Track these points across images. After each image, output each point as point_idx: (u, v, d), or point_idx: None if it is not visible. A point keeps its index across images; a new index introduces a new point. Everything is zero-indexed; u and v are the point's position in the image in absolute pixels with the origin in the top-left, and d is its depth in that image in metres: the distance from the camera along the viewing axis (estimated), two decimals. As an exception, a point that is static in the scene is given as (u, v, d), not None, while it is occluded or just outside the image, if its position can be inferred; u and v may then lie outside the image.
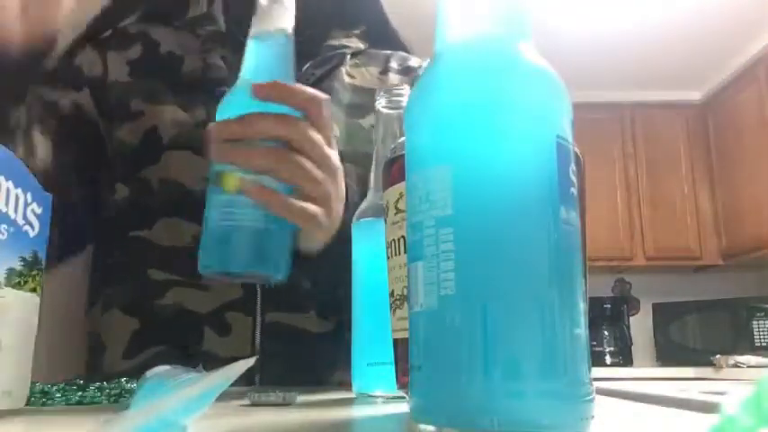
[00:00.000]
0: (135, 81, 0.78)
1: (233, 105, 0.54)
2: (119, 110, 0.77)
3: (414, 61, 0.90)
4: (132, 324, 0.71)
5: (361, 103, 0.80)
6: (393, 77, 0.86)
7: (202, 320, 0.70)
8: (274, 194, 0.52)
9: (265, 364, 0.69)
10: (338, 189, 0.58)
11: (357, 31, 0.87)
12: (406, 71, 0.88)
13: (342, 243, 0.58)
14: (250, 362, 0.34)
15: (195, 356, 0.69)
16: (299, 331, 0.71)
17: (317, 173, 0.55)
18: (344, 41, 0.84)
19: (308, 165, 0.54)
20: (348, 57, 0.84)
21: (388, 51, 0.90)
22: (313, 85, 0.72)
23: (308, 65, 0.79)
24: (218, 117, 0.55)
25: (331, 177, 0.56)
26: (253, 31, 0.56)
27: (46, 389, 0.46)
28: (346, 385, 0.55)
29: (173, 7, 0.83)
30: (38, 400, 0.44)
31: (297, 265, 0.56)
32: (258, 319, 0.70)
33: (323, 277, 0.69)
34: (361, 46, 0.87)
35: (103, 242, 0.79)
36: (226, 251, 0.52)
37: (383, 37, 0.90)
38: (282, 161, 0.53)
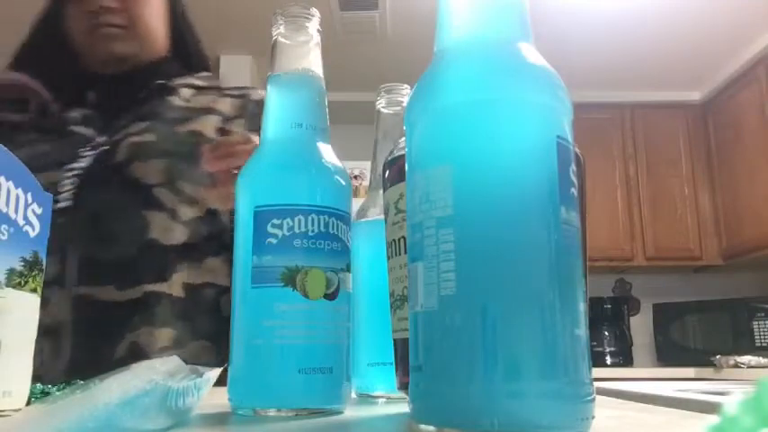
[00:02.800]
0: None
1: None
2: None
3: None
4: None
5: (188, 117, 0.93)
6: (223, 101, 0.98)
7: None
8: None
9: (77, 334, 0.78)
10: None
11: (202, 75, 1.03)
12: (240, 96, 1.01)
13: None
14: (217, 371, 0.35)
15: None
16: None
17: None
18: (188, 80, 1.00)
19: None
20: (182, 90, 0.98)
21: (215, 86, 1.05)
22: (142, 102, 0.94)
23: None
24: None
25: None
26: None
27: (46, 389, 0.46)
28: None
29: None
30: (38, 401, 0.44)
31: None
32: (72, 291, 0.79)
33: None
34: (201, 83, 1.01)
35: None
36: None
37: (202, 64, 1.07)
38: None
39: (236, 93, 1.01)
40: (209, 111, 0.95)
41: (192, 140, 0.87)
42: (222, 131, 0.93)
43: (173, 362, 0.32)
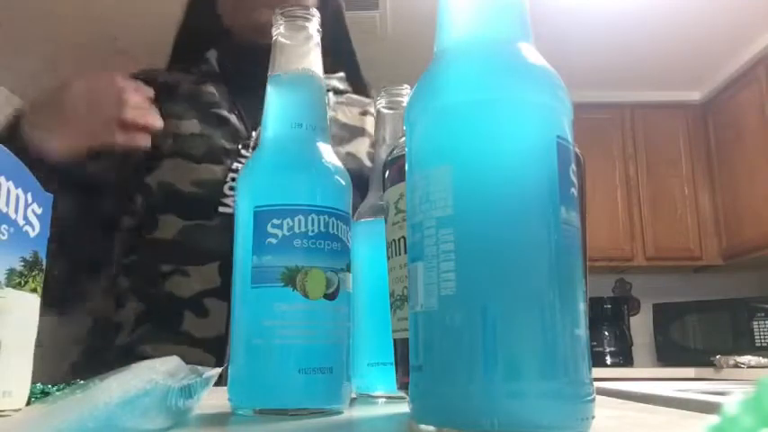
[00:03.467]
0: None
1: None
2: None
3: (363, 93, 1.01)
4: (140, 307, 0.83)
5: (341, 135, 0.90)
6: (370, 120, 0.95)
7: (184, 304, 0.79)
8: None
9: None
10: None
11: (338, 75, 0.99)
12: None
13: None
14: (217, 371, 0.35)
15: (178, 335, 0.78)
16: None
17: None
18: (327, 81, 0.93)
19: None
20: (332, 94, 0.95)
21: (367, 99, 1.00)
22: None
23: None
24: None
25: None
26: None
27: (46, 389, 0.46)
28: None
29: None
30: (38, 401, 0.44)
31: None
32: None
33: None
34: (341, 86, 0.98)
35: (122, 248, 0.89)
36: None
37: (356, 85, 1.01)
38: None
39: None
40: (362, 132, 0.93)
41: (353, 166, 0.76)
42: (371, 155, 0.89)
43: (173, 362, 0.32)
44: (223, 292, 0.78)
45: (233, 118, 0.88)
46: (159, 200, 0.84)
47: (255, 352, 0.40)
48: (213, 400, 0.44)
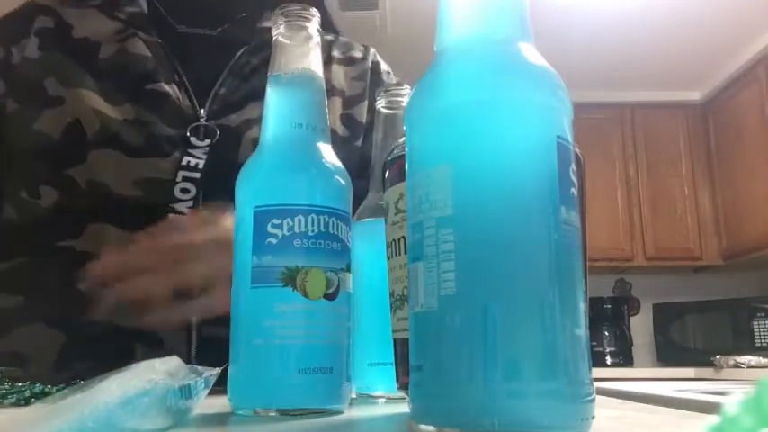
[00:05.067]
0: (45, 56, 0.71)
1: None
2: (33, 92, 0.70)
3: (357, 51, 0.85)
4: (60, 338, 0.66)
5: None
6: (335, 68, 0.81)
7: (133, 336, 0.64)
8: None
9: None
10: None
11: None
12: (349, 61, 0.83)
13: None
14: (217, 371, 0.34)
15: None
16: None
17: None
18: None
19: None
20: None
21: (330, 37, 0.84)
22: (250, 75, 0.74)
23: (241, 51, 0.75)
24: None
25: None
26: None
27: (46, 389, 0.45)
28: None
29: None
30: (38, 401, 0.44)
31: None
32: (194, 333, 0.66)
33: None
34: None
35: (21, 252, 0.70)
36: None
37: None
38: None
39: (347, 55, 0.81)
40: (330, 90, 0.73)
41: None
42: (347, 120, 0.75)
43: (173, 362, 0.32)
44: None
45: (173, 91, 0.71)
46: (88, 204, 0.67)
47: (255, 352, 0.40)
48: (213, 399, 0.44)
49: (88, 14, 0.74)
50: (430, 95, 0.32)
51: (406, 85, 0.57)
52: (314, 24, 0.46)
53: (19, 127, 0.70)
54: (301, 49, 0.46)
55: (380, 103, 0.57)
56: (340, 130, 0.77)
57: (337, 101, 0.79)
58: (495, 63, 0.31)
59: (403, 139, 0.43)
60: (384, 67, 0.87)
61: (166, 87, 0.71)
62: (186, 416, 0.34)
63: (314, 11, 0.47)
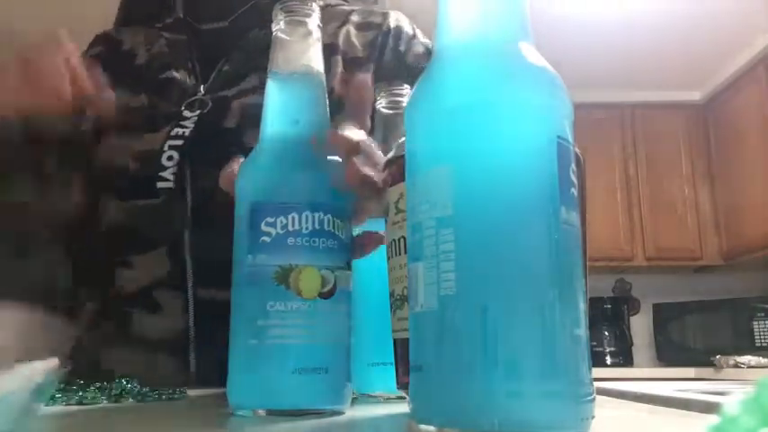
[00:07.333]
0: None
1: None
2: None
3: (376, 16, 0.85)
4: (93, 307, 0.74)
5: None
6: (346, 30, 0.82)
7: (130, 302, 0.68)
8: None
9: (200, 345, 0.67)
10: None
11: None
12: (366, 26, 0.83)
13: None
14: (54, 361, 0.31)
15: (129, 339, 0.68)
16: None
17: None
18: None
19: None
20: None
21: (351, 8, 0.86)
22: (259, 51, 0.75)
23: (254, 31, 0.78)
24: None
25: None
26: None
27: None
28: None
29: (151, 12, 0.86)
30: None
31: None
32: (190, 294, 0.68)
33: None
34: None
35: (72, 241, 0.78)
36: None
37: None
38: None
39: (366, 21, 0.82)
40: (332, 48, 0.76)
41: None
42: (346, 81, 0.75)
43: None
44: (174, 280, 0.68)
45: (179, 75, 0.78)
46: (99, 180, 0.74)
47: (252, 352, 0.40)
48: (213, 400, 0.44)
49: (136, 31, 0.85)
50: (430, 96, 0.31)
51: (405, 85, 0.57)
52: (314, 20, 0.46)
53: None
54: (300, 46, 0.46)
55: (380, 103, 0.57)
56: (337, 87, 0.77)
57: (338, 60, 0.79)
58: (495, 63, 0.31)
59: (403, 139, 0.43)
60: (408, 30, 0.84)
61: (175, 73, 0.78)
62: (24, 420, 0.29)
63: (314, 5, 0.46)
